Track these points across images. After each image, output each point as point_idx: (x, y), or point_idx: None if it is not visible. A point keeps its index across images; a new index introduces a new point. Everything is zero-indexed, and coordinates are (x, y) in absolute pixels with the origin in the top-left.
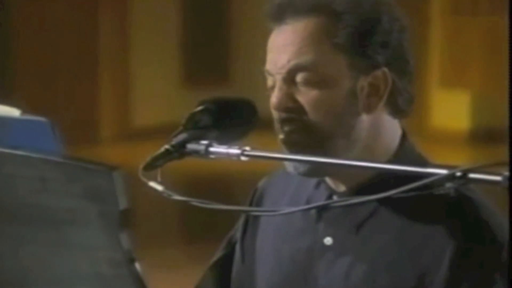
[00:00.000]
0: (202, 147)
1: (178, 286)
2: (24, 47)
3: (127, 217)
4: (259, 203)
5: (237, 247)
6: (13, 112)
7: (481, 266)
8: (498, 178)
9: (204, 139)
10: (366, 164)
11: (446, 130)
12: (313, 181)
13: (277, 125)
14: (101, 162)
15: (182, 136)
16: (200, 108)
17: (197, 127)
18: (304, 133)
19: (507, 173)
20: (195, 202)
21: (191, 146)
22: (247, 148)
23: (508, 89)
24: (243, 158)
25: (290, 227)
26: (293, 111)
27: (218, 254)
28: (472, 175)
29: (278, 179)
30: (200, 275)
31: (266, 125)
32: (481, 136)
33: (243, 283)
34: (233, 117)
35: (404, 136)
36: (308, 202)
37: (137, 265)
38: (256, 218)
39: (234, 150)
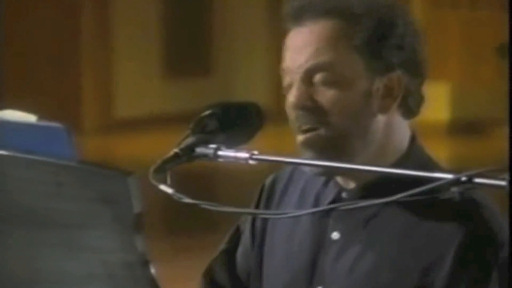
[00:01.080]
0: (210, 151)
1: (163, 278)
2: (6, 39)
3: (141, 220)
4: (267, 200)
5: (247, 233)
6: (30, 117)
7: (480, 265)
8: (503, 183)
9: (212, 142)
10: (376, 168)
11: (426, 122)
12: (322, 178)
13: (294, 125)
14: (116, 168)
15: (190, 140)
16: (207, 112)
17: (205, 131)
18: (322, 133)
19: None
20: (205, 205)
21: (199, 150)
22: (255, 152)
23: (508, 88)
24: (251, 162)
25: (299, 221)
26: (311, 110)
27: (225, 244)
28: (477, 180)
29: (286, 176)
30: (185, 267)
31: None
32: (460, 128)
33: (250, 266)
34: (239, 120)
35: (413, 137)
36: (317, 199)
37: (151, 267)
38: (266, 209)
39: (243, 154)
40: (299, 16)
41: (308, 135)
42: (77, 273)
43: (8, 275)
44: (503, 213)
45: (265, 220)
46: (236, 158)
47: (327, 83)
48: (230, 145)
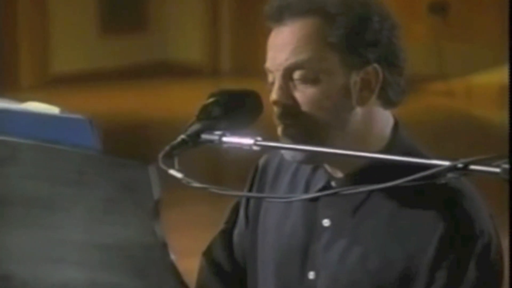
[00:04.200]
0: (216, 137)
1: None
2: None
3: (160, 206)
4: (260, 180)
5: (241, 214)
6: (53, 109)
7: (460, 252)
8: (497, 170)
9: (216, 128)
10: (372, 155)
11: None
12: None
13: (276, 119)
14: (136, 158)
15: (196, 127)
16: (211, 100)
17: (209, 118)
18: (302, 126)
19: (506, 166)
20: (214, 189)
21: (205, 136)
22: (259, 138)
23: (508, 88)
24: (255, 148)
25: (291, 205)
26: (291, 107)
27: (224, 224)
28: (472, 167)
29: (278, 157)
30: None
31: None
32: None
33: (245, 247)
34: (241, 107)
35: (396, 126)
36: (307, 185)
37: (170, 251)
38: (260, 190)
39: (247, 140)
40: (279, 16)
41: (288, 129)
42: (98, 255)
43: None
44: (485, 201)
45: (258, 203)
46: (240, 144)
47: (305, 80)
48: (232, 130)
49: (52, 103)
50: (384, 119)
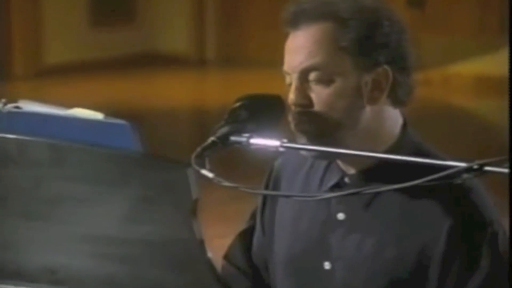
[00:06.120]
0: (244, 139)
1: None
2: None
3: (197, 205)
4: (276, 181)
5: (257, 221)
6: (97, 115)
7: (470, 242)
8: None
9: (243, 131)
10: (392, 156)
11: None
12: (324, 162)
13: (291, 116)
14: (176, 159)
15: (225, 129)
16: (238, 104)
17: (237, 121)
18: (315, 124)
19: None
20: (244, 188)
21: (234, 138)
22: (285, 140)
23: (508, 88)
24: (281, 149)
25: (306, 202)
26: (307, 106)
27: (245, 225)
28: (487, 168)
29: (292, 158)
30: None
31: (173, 63)
32: None
33: (264, 253)
34: (266, 110)
35: (405, 125)
36: (321, 181)
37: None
38: (276, 189)
39: (273, 142)
40: (295, 21)
41: (301, 125)
42: (139, 251)
43: None
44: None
45: (273, 207)
46: (267, 145)
47: (320, 81)
48: (258, 132)
49: (44, 93)
50: (394, 117)
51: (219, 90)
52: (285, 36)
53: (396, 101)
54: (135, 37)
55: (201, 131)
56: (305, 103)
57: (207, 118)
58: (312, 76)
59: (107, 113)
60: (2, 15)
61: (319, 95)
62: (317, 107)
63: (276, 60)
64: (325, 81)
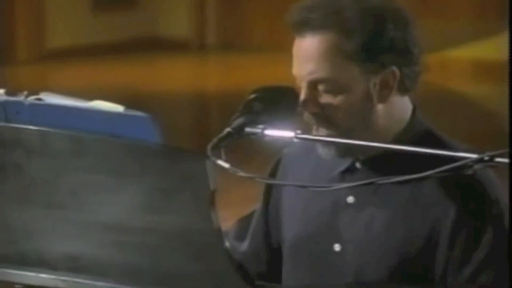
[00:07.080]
0: (259, 130)
1: None
2: None
3: (215, 196)
4: (285, 169)
5: (259, 208)
6: (118, 108)
7: (476, 219)
8: None
9: (258, 122)
10: (402, 147)
11: None
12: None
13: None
14: (195, 151)
15: (240, 120)
16: (252, 96)
17: (251, 112)
18: (327, 127)
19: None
20: (259, 178)
21: (249, 130)
22: (299, 131)
23: (508, 86)
24: (295, 140)
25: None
26: (318, 114)
27: (258, 204)
28: (498, 159)
29: (301, 147)
30: None
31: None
32: None
33: (258, 241)
34: (280, 102)
35: (414, 110)
36: (332, 167)
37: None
38: (283, 178)
39: (288, 133)
40: (300, 29)
41: (320, 128)
42: (158, 240)
43: None
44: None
45: (279, 196)
46: (281, 136)
47: (328, 91)
48: (273, 123)
49: (47, 77)
50: (404, 104)
51: (220, 75)
52: (286, 23)
53: (404, 90)
54: (136, 21)
55: (202, 116)
56: (316, 111)
57: (207, 102)
58: (321, 87)
59: (109, 97)
60: (4, 0)
61: (329, 103)
62: (328, 113)
63: (276, 45)
64: (333, 91)
